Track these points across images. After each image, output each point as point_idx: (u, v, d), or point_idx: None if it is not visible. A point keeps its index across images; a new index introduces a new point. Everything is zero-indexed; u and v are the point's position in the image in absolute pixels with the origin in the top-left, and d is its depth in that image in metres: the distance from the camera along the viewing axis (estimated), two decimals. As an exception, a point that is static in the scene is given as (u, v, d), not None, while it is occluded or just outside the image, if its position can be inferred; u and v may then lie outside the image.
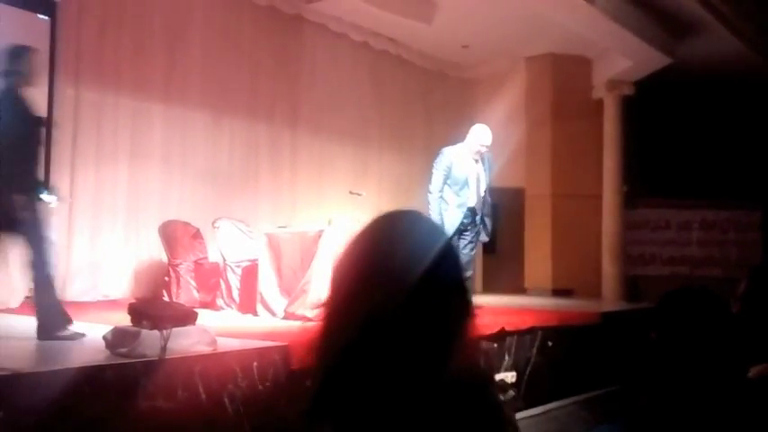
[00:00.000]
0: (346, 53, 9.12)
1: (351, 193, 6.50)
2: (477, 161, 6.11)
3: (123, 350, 3.31)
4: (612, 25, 8.17)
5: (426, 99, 10.27)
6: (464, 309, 1.00)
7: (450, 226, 5.77)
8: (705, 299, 1.92)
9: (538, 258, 10.34)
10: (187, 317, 3.54)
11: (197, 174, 7.47)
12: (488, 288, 10.54)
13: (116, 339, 3.38)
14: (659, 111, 10.62)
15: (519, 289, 10.39)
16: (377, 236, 1.01)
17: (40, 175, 4.35)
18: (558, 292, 9.93)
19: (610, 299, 9.68)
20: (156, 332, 3.32)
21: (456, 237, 5.83)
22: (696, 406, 1.79)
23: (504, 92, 10.27)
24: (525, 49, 9.88)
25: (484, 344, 5.28)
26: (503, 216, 10.88)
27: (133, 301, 3.71)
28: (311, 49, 8.70)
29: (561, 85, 10.15)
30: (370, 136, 9.56)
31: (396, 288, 0.93)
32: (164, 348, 3.30)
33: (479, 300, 7.33)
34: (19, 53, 4.20)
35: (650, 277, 10.24)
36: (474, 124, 6.31)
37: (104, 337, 3.47)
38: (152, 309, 3.47)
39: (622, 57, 9.43)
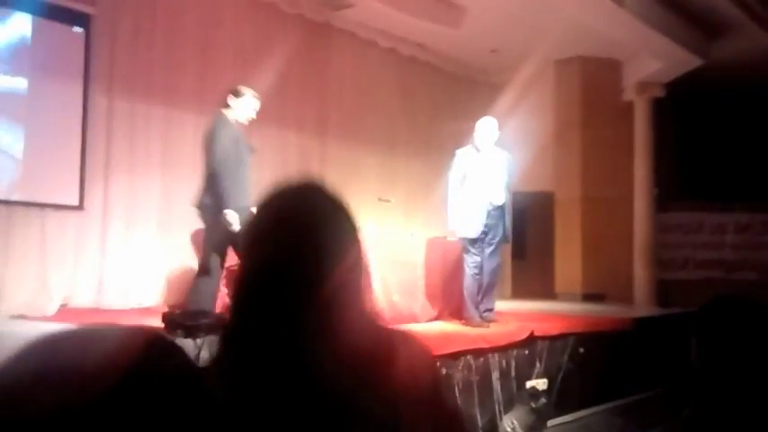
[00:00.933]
0: (374, 60, 9.16)
1: (380, 200, 6.51)
2: (493, 159, 5.83)
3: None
4: (642, 26, 8.09)
5: (455, 104, 10.25)
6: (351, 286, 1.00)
7: (472, 230, 5.67)
8: (747, 306, 1.90)
9: (568, 263, 10.26)
10: (221, 325, 3.58)
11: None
12: (518, 293, 10.50)
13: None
14: (691, 112, 10.49)
15: (549, 294, 10.32)
16: (273, 205, 1.05)
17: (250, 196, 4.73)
18: (588, 297, 9.84)
19: (642, 303, 9.57)
20: (189, 341, 3.36)
21: (480, 241, 5.71)
22: (741, 415, 1.77)
23: (534, 96, 10.23)
24: (554, 52, 9.81)
25: (514, 352, 5.26)
26: (532, 220, 10.84)
27: (167, 309, 3.76)
28: (339, 56, 8.75)
29: (590, 87, 10.07)
30: (399, 142, 9.57)
31: (299, 265, 0.96)
32: (198, 357, 3.33)
33: (504, 306, 7.29)
34: (237, 92, 4.95)
35: (683, 281, 10.10)
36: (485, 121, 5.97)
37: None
38: (186, 317, 3.51)
39: (652, 58, 9.32)
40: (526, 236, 10.88)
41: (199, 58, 7.38)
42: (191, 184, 7.30)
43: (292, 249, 0.98)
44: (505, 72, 10.44)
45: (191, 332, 3.39)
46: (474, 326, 5.55)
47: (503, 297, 9.44)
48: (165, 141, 7.17)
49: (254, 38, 7.87)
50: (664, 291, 9.81)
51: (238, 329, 0.98)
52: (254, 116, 5.16)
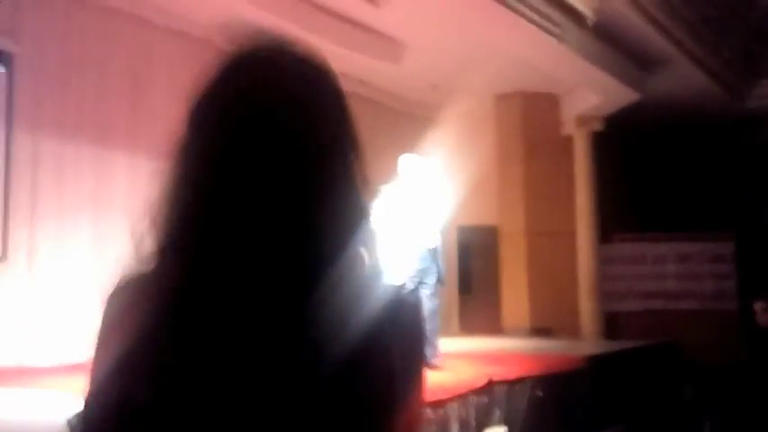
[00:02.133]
0: (315, 95, 8.96)
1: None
2: (421, 198, 5.54)
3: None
4: (581, 61, 8.16)
5: (396, 139, 10.12)
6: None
7: (402, 275, 5.39)
8: None
9: (514, 297, 10.21)
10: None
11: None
12: (465, 328, 10.36)
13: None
14: (630, 145, 10.67)
15: (496, 328, 10.22)
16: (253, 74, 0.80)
17: None
18: (536, 331, 9.78)
19: (588, 337, 9.56)
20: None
21: (415, 285, 5.44)
22: None
23: (475, 130, 10.21)
24: (494, 87, 9.84)
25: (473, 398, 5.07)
26: (477, 254, 10.77)
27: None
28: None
29: (531, 122, 10.13)
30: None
31: (278, 144, 0.73)
32: None
33: (453, 345, 7.09)
34: None
35: (627, 313, 10.15)
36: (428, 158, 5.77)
37: (69, 423, 3.15)
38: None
39: (591, 93, 9.44)
40: (471, 270, 10.81)
41: (131, 95, 7.04)
42: (125, 228, 6.94)
43: (278, 136, 0.74)
44: (446, 107, 10.40)
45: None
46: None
47: (451, 333, 9.29)
48: (96, 183, 6.77)
49: (189, 73, 7.51)
50: (609, 322, 9.84)
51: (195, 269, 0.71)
52: None
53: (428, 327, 5.51)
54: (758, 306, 5.30)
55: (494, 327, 10.26)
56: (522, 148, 10.18)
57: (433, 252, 5.48)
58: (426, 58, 8.65)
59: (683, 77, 9.22)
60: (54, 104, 6.45)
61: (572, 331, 9.69)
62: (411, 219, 5.42)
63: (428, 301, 5.46)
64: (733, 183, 11.32)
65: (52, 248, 6.40)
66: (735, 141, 11.16)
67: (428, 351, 5.56)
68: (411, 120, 10.49)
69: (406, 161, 5.60)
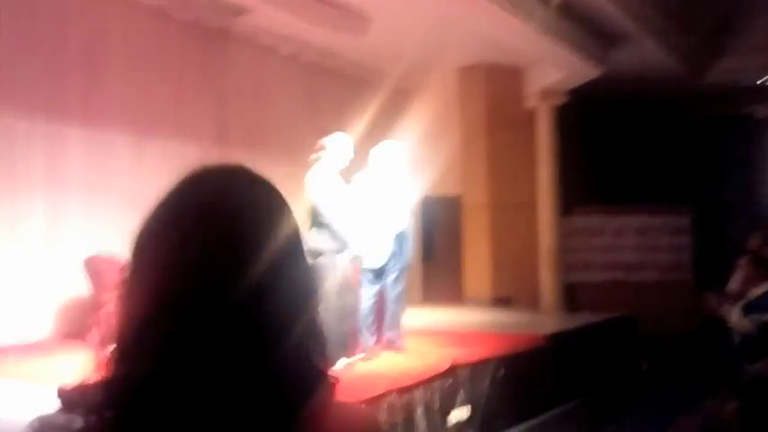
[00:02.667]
0: (276, 67, 8.77)
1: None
2: (395, 183, 5.52)
3: (54, 444, 2.93)
4: (544, 38, 8.11)
5: (362, 110, 10.00)
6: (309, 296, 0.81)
7: (378, 259, 5.40)
8: None
9: (476, 267, 10.29)
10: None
11: (121, 200, 6.97)
12: (428, 298, 10.42)
13: None
14: (593, 119, 10.71)
15: (458, 298, 10.31)
16: (200, 197, 0.81)
17: None
18: (496, 301, 9.89)
19: (548, 308, 9.70)
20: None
21: (382, 270, 5.46)
22: None
23: (439, 102, 10.12)
24: (459, 59, 9.75)
25: (437, 383, 5.10)
26: (440, 224, 10.79)
27: (64, 385, 3.30)
28: (238, 63, 8.31)
29: (495, 94, 10.09)
30: (304, 150, 9.20)
31: (226, 267, 0.74)
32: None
33: (416, 317, 7.10)
34: None
35: (586, 284, 10.32)
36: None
37: (31, 426, 3.07)
38: (86, 395, 3.08)
39: (555, 67, 9.41)
40: (435, 240, 10.84)
41: (85, 69, 6.78)
42: (80, 205, 6.75)
43: (225, 251, 0.75)
44: (410, 78, 10.29)
45: (91, 411, 2.97)
46: (371, 357, 5.31)
47: (414, 303, 9.33)
48: (49, 159, 6.54)
49: (146, 46, 7.31)
50: (569, 293, 9.99)
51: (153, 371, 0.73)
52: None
53: (393, 309, 5.53)
54: (711, 300, 5.39)
55: (456, 296, 10.35)
56: (486, 120, 10.15)
57: (401, 236, 5.47)
58: (391, 31, 8.50)
59: (645, 53, 9.24)
60: (5, 79, 6.18)
61: (532, 302, 9.82)
62: (382, 205, 5.38)
63: (393, 288, 5.47)
64: (692, 157, 11.50)
65: (5, 225, 6.21)
66: (693, 116, 11.31)
67: (392, 334, 5.59)
68: (375, 90, 10.34)
69: (380, 149, 5.58)
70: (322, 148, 5.33)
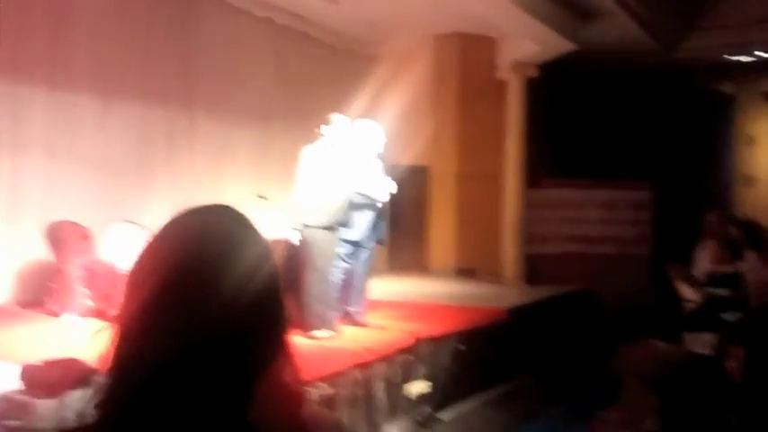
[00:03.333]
0: (247, 29, 8.62)
1: (258, 197, 6.15)
2: (372, 161, 5.64)
3: (14, 423, 2.96)
4: (519, 11, 8.07)
5: (332, 77, 9.92)
6: (279, 335, 0.87)
7: (356, 233, 5.47)
8: None
9: (442, 237, 10.40)
10: (83, 377, 3.20)
11: (85, 165, 6.89)
12: (393, 267, 10.50)
13: (6, 410, 3.01)
14: (563, 93, 10.76)
15: (423, 267, 10.43)
16: (184, 237, 0.87)
17: None
18: (461, 272, 10.02)
19: (510, 279, 9.85)
20: (52, 401, 2.98)
21: (357, 246, 5.52)
22: None
23: (412, 70, 10.07)
24: (433, 27, 9.69)
25: (400, 357, 5.20)
26: (407, 193, 10.81)
27: (26, 363, 3.32)
28: (208, 25, 8.15)
29: (468, 64, 10.07)
30: (274, 116, 9.15)
31: (206, 301, 0.80)
32: (62, 418, 2.97)
33: (380, 287, 7.16)
34: None
35: (548, 255, 10.48)
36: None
37: (-9, 404, 3.09)
38: (47, 373, 3.11)
39: (528, 40, 9.40)
40: (401, 209, 10.88)
41: (51, 28, 6.60)
42: (43, 169, 6.64)
43: (204, 281, 0.82)
44: (384, 44, 10.21)
45: (52, 390, 3.01)
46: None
47: (379, 272, 9.41)
48: (12, 121, 6.41)
49: (112, 6, 7.14)
50: (532, 265, 10.14)
51: (130, 390, 0.80)
52: None
53: (359, 285, 5.60)
54: (673, 272, 5.53)
55: (420, 266, 10.46)
56: (458, 89, 10.15)
57: (378, 212, 5.53)
58: (365, -3, 8.40)
59: (617, 28, 9.26)
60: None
61: (495, 273, 9.96)
62: (359, 180, 5.42)
63: (364, 264, 5.54)
64: (657, 132, 11.66)
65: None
66: (661, 92, 11.43)
67: (355, 306, 5.66)
68: (348, 56, 10.26)
69: (364, 130, 5.62)
70: (327, 123, 5.36)
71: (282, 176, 8.67)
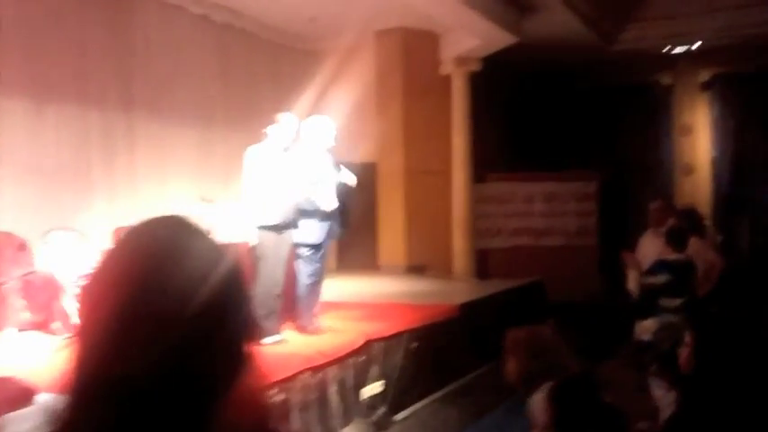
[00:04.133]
0: (185, 27, 8.41)
1: (203, 200, 5.99)
2: (326, 160, 5.58)
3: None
4: (459, 4, 8.06)
5: (274, 73, 9.77)
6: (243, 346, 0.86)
7: (317, 235, 5.39)
8: None
9: (391, 235, 10.34)
10: (23, 396, 3.04)
11: (18, 172, 6.60)
12: (343, 266, 10.42)
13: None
14: (507, 87, 10.84)
15: (373, 266, 10.36)
16: (144, 249, 0.85)
17: None
18: (411, 269, 10.00)
19: (460, 275, 9.86)
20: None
21: (319, 248, 5.46)
22: None
23: (355, 66, 9.98)
24: (375, 22, 9.61)
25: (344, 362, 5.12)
26: (355, 192, 10.74)
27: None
28: (145, 23, 7.92)
29: (411, 60, 10.03)
30: (216, 114, 8.96)
31: (169, 314, 0.79)
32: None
33: (330, 287, 7.09)
34: None
35: (497, 249, 10.55)
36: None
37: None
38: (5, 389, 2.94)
39: (470, 34, 9.41)
40: (349, 208, 10.77)
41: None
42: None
43: (160, 292, 0.80)
44: (325, 41, 10.10)
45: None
46: (310, 332, 5.33)
47: (329, 272, 9.31)
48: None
49: (45, 6, 6.85)
50: (481, 260, 10.18)
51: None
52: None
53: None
54: (626, 259, 5.56)
55: (370, 264, 10.38)
56: (402, 85, 10.10)
57: (333, 213, 5.45)
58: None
59: (557, 22, 9.36)
60: None
61: (445, 269, 9.97)
62: (324, 181, 5.37)
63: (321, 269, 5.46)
64: (599, 124, 11.85)
65: None
66: (602, 84, 11.62)
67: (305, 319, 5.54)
68: (289, 53, 10.12)
69: (318, 126, 5.53)
70: (274, 122, 5.23)
71: (226, 176, 8.54)
